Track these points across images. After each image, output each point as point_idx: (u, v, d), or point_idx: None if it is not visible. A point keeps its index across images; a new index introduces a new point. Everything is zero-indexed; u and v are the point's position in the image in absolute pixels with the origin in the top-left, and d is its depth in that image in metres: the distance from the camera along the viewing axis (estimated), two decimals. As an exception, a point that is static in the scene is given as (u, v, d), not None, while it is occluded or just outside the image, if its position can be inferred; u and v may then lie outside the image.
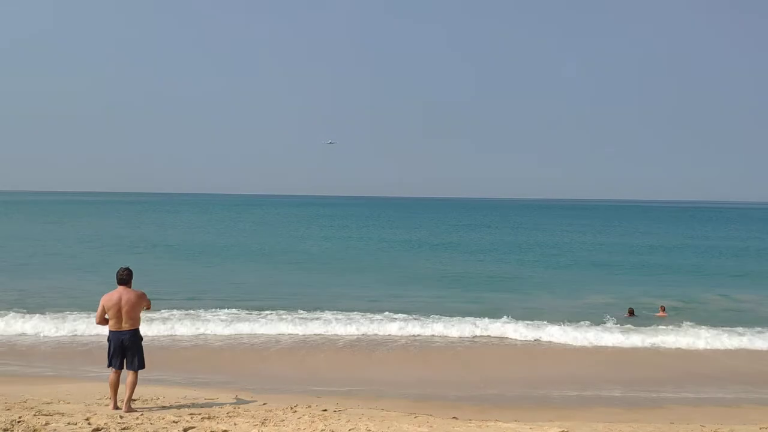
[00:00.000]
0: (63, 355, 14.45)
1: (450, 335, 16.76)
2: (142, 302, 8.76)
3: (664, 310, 20.70)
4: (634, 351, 15.76)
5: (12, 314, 17.17)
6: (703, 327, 17.42)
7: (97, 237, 48.24)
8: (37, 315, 17.11)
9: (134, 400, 9.07)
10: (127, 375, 8.78)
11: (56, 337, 15.89)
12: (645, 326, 17.81)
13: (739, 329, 17.39)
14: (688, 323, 17.90)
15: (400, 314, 18.51)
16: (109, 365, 8.77)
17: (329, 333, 16.76)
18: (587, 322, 17.96)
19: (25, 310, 17.73)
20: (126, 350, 8.69)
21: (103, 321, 8.73)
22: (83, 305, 18.00)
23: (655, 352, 15.76)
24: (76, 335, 15.97)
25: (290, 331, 16.76)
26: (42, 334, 16.02)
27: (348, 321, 17.56)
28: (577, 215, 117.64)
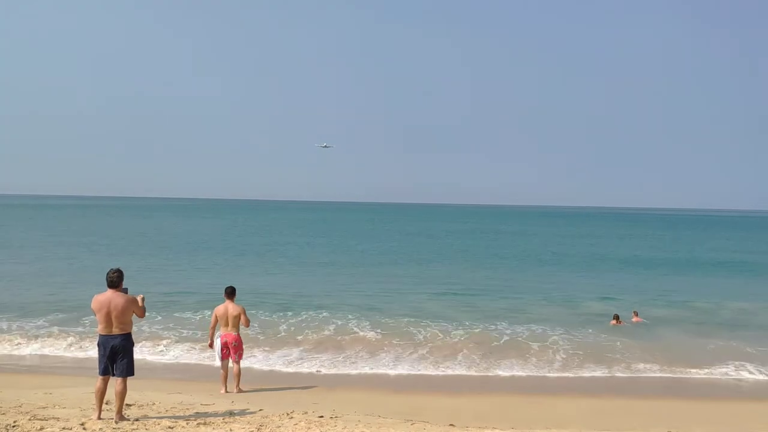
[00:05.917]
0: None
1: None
2: (133, 307, 8.41)
3: (637, 315, 20.43)
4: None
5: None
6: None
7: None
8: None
9: (129, 405, 9.00)
10: (115, 383, 8.40)
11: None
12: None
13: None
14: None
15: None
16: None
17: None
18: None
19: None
20: (115, 355, 8.37)
21: None
22: None
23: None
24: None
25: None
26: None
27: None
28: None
